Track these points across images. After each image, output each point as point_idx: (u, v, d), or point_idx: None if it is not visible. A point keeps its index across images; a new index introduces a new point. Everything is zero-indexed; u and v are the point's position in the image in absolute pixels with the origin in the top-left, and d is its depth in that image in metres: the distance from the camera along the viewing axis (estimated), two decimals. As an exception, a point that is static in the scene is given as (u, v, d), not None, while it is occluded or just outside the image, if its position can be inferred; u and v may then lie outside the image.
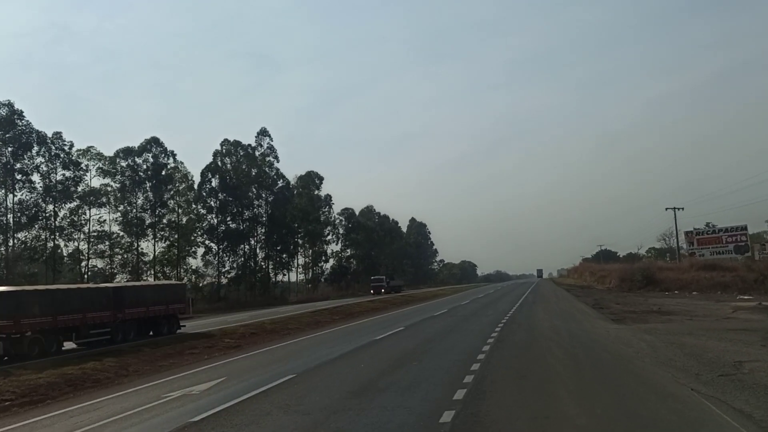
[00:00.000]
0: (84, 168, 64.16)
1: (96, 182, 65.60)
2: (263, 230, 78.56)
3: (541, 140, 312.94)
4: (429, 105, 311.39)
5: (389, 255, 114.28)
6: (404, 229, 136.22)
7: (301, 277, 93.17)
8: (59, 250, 64.19)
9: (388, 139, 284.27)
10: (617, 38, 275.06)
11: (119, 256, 67.71)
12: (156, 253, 69.55)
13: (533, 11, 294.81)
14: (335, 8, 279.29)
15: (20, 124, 58.65)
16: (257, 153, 79.36)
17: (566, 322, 21.70)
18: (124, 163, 67.97)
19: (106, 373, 16.58)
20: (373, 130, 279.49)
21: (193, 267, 73.25)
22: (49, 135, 61.48)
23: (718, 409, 7.82)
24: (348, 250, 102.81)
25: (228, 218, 75.48)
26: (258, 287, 77.23)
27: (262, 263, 79.05)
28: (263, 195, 78.54)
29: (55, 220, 61.85)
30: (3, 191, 58.10)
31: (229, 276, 74.09)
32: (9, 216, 58.32)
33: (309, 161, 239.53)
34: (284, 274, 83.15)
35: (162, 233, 69.92)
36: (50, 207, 61.58)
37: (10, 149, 57.71)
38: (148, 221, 69.10)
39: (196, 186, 74.54)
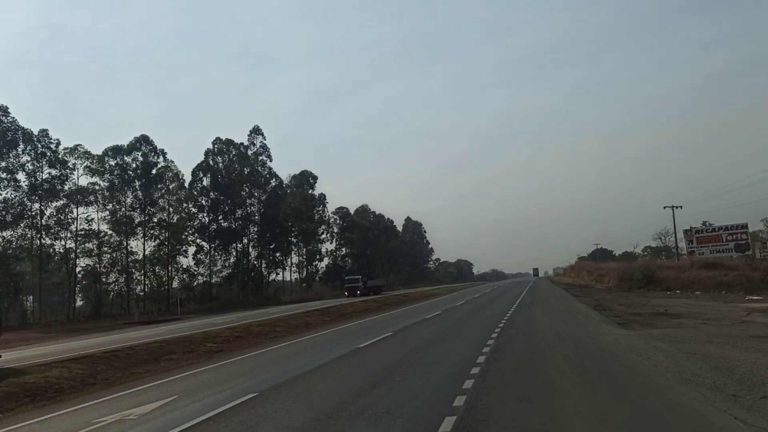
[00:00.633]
0: (71, 166, 62.35)
1: (84, 181, 63.78)
2: (256, 229, 76.68)
3: (538, 140, 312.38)
4: (427, 105, 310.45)
5: (385, 254, 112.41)
6: (400, 229, 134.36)
7: (296, 276, 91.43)
8: (52, 249, 62.40)
9: (386, 139, 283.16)
10: (614, 38, 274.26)
11: (108, 255, 65.80)
12: (146, 252, 67.51)
13: (531, 11, 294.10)
14: (332, 8, 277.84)
15: (5, 121, 56.82)
16: (250, 152, 77.64)
17: (568, 326, 19.76)
18: (113, 162, 66.25)
19: (71, 382, 14.78)
20: (370, 130, 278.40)
21: (185, 266, 71.35)
22: (35, 132, 59.64)
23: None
24: (343, 249, 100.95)
25: (220, 217, 73.62)
26: (251, 287, 75.36)
27: (255, 262, 77.14)
28: (255, 194, 76.67)
29: (42, 218, 59.88)
30: (-13, 189, 56.42)
31: (220, 275, 72.17)
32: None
33: (306, 161, 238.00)
34: (277, 273, 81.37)
35: (152, 232, 68.02)
36: (36, 206, 59.67)
37: (-6, 147, 56.01)
38: (137, 220, 67.26)
39: (187, 185, 72.85)
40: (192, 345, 22.40)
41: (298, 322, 32.73)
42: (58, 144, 60.91)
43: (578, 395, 9.01)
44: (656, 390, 9.23)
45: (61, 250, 62.20)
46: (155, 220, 68.42)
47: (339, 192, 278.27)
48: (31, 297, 64.92)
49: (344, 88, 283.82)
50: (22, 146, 58.18)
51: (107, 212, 65.24)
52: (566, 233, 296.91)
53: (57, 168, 60.62)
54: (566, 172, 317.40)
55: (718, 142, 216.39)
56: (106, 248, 65.01)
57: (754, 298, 30.69)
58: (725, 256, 55.18)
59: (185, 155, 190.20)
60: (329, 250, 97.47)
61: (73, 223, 62.47)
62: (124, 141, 67.35)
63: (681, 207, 65.11)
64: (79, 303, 69.47)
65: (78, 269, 65.50)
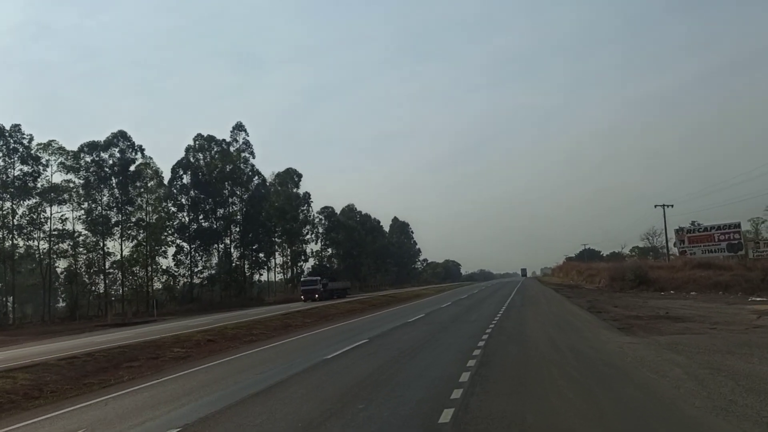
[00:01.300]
0: (44, 163, 59.63)
1: (58, 178, 61.09)
2: (238, 229, 74.11)
3: (524, 140, 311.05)
4: (413, 104, 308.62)
5: (371, 254, 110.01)
6: (387, 229, 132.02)
7: (280, 276, 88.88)
8: (24, 249, 59.72)
9: (372, 138, 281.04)
10: (599, 39, 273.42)
11: (83, 256, 63.11)
12: (123, 252, 64.80)
13: (517, 12, 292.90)
14: (319, 7, 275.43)
15: (-27, 115, 54.06)
16: (232, 148, 75.00)
17: (564, 332, 17.56)
18: (88, 158, 63.51)
19: (12, 396, 12.87)
20: (356, 130, 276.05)
21: (164, 267, 68.72)
22: (7, 128, 56.93)
23: None
24: (329, 250, 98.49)
25: (201, 216, 71.02)
26: (233, 288, 72.78)
27: (237, 263, 74.54)
28: (238, 192, 74.10)
29: (13, 217, 57.14)
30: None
31: (201, 276, 69.55)
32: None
33: (293, 161, 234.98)
34: (261, 274, 78.80)
35: (129, 232, 65.32)
36: (8, 204, 56.96)
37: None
38: (114, 219, 64.60)
39: (167, 182, 70.27)
40: (158, 350, 20.75)
41: (276, 324, 30.82)
42: (31, 140, 58.29)
43: (589, 434, 6.79)
44: (690, 427, 7.02)
45: (34, 251, 59.48)
46: (133, 219, 65.76)
47: (325, 192, 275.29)
48: (12, 298, 62.22)
49: (331, 87, 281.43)
50: (-8, 142, 55.58)
51: (83, 211, 62.59)
52: (553, 233, 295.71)
53: (29, 164, 57.96)
54: (553, 172, 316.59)
55: (703, 142, 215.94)
56: (81, 249, 62.33)
57: (757, 299, 28.67)
58: (717, 256, 53.44)
59: (172, 154, 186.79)
60: (315, 250, 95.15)
61: (46, 222, 59.82)
62: (102, 137, 64.80)
63: (672, 206, 63.45)
64: (61, 304, 67.02)
65: (60, 270, 63.21)
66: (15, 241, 57.72)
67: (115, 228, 64.78)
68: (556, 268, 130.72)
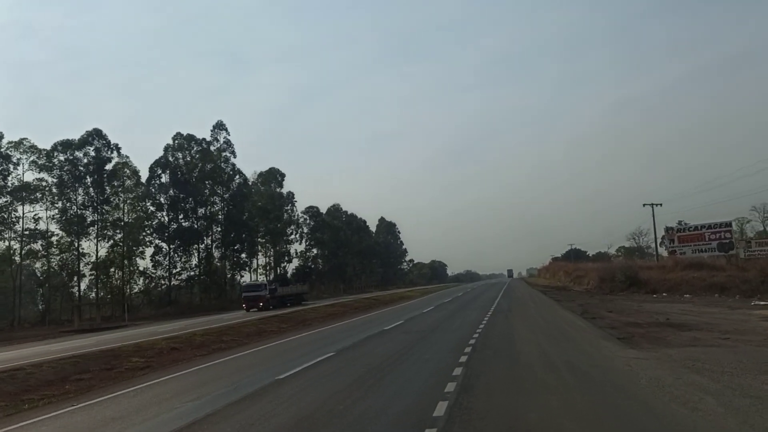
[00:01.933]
0: (15, 161, 56.68)
1: (30, 176, 58.14)
2: (219, 229, 71.31)
3: (512, 141, 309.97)
4: (402, 105, 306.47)
5: (357, 255, 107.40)
6: (374, 229, 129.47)
7: (263, 278, 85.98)
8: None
9: (361, 139, 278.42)
10: (587, 40, 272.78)
11: (57, 257, 60.14)
12: (98, 253, 61.84)
13: (505, 13, 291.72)
14: (308, 8, 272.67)
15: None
16: (213, 147, 72.15)
17: (558, 343, 15.23)
18: (62, 157, 60.55)
19: None
20: (345, 131, 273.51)
21: (141, 268, 65.80)
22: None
23: None
24: (314, 250, 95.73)
25: (180, 216, 68.18)
26: (213, 290, 69.97)
27: (218, 264, 71.70)
28: (218, 191, 71.31)
29: (-17, 217, 54.17)
30: None
31: (180, 278, 66.67)
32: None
33: (280, 162, 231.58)
34: (242, 276, 75.98)
35: (105, 232, 62.39)
36: (-24, 203, 53.99)
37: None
38: (90, 219, 61.67)
39: (145, 181, 67.44)
40: (115, 360, 18.96)
41: (250, 330, 28.78)
42: (1, 137, 55.37)
43: None
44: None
45: (3, 252, 56.46)
46: (109, 219, 62.84)
47: (313, 192, 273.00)
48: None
49: (320, 88, 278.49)
50: (-41, 139, 52.65)
51: (56, 210, 59.61)
52: (539, 234, 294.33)
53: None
54: (540, 173, 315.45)
55: (689, 143, 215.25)
56: (54, 249, 59.35)
57: (761, 303, 26.51)
58: (708, 256, 51.46)
59: (157, 155, 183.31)
60: (299, 251, 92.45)
61: (18, 221, 56.84)
62: (76, 135, 61.85)
63: (661, 205, 61.57)
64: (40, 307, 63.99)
65: (34, 272, 60.25)
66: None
67: (91, 228, 61.82)
68: (542, 268, 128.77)
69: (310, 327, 29.35)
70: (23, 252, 57.50)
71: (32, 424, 9.89)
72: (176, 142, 70.49)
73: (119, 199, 64.20)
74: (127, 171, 65.90)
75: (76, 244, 60.88)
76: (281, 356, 16.69)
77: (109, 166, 63.22)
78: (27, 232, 57.37)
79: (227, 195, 71.95)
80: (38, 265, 60.83)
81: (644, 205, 61.72)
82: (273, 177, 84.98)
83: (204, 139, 71.72)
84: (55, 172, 59.82)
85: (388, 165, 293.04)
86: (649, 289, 41.38)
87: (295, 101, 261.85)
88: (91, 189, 61.80)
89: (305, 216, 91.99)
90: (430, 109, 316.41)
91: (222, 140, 72.77)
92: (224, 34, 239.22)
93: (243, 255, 73.99)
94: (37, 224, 58.31)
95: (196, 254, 69.36)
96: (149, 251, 66.41)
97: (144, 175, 67.06)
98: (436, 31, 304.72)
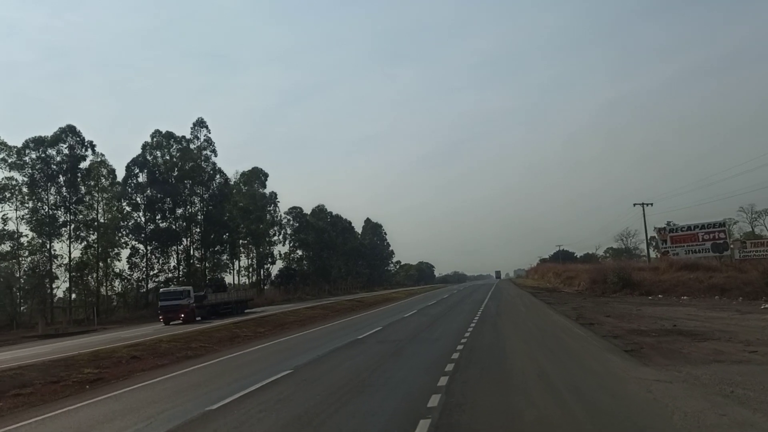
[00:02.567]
0: (-18, 159, 53.62)
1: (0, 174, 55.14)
2: (199, 230, 68.37)
3: (500, 142, 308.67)
4: (391, 107, 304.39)
5: (342, 256, 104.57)
6: (360, 230, 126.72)
7: (245, 280, 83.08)
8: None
9: (349, 140, 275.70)
10: (578, 41, 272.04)
11: (28, 258, 57.03)
12: (71, 255, 58.75)
13: (495, 15, 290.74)
14: (296, 9, 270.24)
15: None
16: (193, 146, 69.18)
17: (557, 359, 12.70)
18: (34, 155, 57.47)
19: None
20: (334, 132, 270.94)
21: (117, 270, 62.77)
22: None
23: None
24: (298, 252, 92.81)
25: (158, 216, 65.20)
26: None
27: (198, 265, 68.70)
28: (198, 191, 68.34)
29: (-52, 217, 51.04)
30: None
31: (157, 280, 63.67)
32: None
33: (268, 162, 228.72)
34: (222, 278, 72.93)
35: (79, 233, 59.34)
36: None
37: None
38: (62, 219, 58.62)
39: (121, 181, 64.47)
40: (66, 371, 17.01)
41: (223, 335, 26.59)
42: (-30, 135, 52.37)
43: None
44: None
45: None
46: (82, 219, 59.74)
47: (300, 194, 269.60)
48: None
49: (308, 89, 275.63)
50: None
51: (26, 210, 56.50)
52: (527, 235, 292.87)
53: (-35, 161, 52.03)
54: (528, 175, 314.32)
55: (678, 144, 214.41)
56: (23, 251, 56.22)
57: (771, 306, 24.20)
58: (702, 257, 49.33)
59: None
60: (283, 252, 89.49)
61: (-15, 222, 53.72)
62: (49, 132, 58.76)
63: (652, 204, 59.61)
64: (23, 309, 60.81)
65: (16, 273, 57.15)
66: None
67: (63, 228, 58.72)
68: (530, 269, 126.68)
69: (288, 331, 27.17)
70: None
71: None
72: (155, 139, 67.46)
73: (93, 199, 61.20)
74: (104, 171, 63.10)
75: (48, 246, 57.88)
76: (234, 372, 14.19)
77: (83, 165, 60.35)
78: (-7, 233, 54.33)
79: (207, 195, 69.00)
80: (4, 265, 57.70)
81: (635, 204, 59.87)
82: (256, 177, 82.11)
83: (184, 136, 68.74)
84: (26, 170, 56.83)
85: (377, 167, 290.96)
86: (643, 290, 39.23)
87: (283, 102, 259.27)
88: (63, 188, 58.84)
89: (288, 217, 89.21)
90: (419, 111, 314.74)
91: (203, 138, 69.82)
92: (212, 34, 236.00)
93: (224, 256, 70.99)
94: (5, 225, 55.33)
95: (174, 256, 66.41)
96: (125, 253, 63.54)
97: (121, 174, 64.33)
98: (426, 32, 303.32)
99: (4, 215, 55.22)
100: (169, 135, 67.97)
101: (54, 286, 57.83)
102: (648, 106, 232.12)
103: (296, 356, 15.68)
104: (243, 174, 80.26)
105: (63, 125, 59.43)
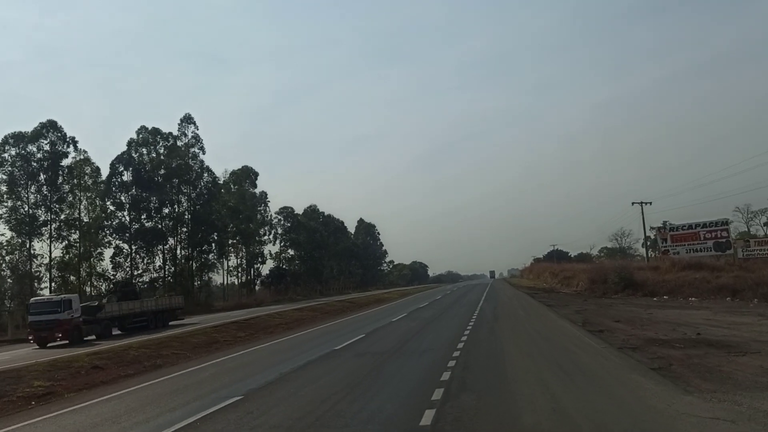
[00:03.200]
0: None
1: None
2: (185, 229, 65.53)
3: (493, 143, 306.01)
4: (383, 107, 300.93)
5: (335, 256, 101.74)
6: (352, 231, 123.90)
7: (235, 280, 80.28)
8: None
9: (342, 141, 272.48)
10: (568, 42, 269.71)
11: (7, 258, 54.22)
12: (52, 255, 55.93)
13: (487, 16, 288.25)
14: (288, 9, 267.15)
15: None
16: (180, 143, 66.34)
17: (572, 381, 10.07)
18: (14, 151, 54.70)
19: None
20: (326, 133, 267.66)
21: (99, 270, 59.94)
22: None
23: None
24: (289, 251, 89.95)
25: (143, 215, 62.38)
26: (179, 293, 64.01)
27: (184, 265, 65.84)
28: (185, 190, 65.49)
29: None
30: None
31: (140, 281, 60.81)
32: None
33: (260, 163, 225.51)
34: (210, 278, 70.18)
35: (60, 232, 56.54)
36: None
37: None
38: (42, 218, 55.82)
39: (105, 179, 61.65)
40: (14, 384, 14.92)
41: (199, 340, 24.29)
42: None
43: None
44: None
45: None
46: (63, 218, 56.94)
47: (293, 194, 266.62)
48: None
49: (301, 90, 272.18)
50: None
51: (5, 209, 53.71)
52: (520, 235, 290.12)
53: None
54: (521, 174, 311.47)
55: (670, 144, 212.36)
56: (2, 251, 53.40)
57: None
58: (704, 256, 46.90)
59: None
60: (274, 252, 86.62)
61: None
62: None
63: (651, 203, 57.24)
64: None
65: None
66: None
67: (44, 228, 55.90)
68: (525, 269, 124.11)
69: (269, 336, 24.89)
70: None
71: None
72: (141, 136, 64.60)
73: (75, 197, 58.39)
74: (88, 169, 60.36)
75: (28, 245, 55.08)
76: (184, 392, 11.69)
77: (65, 162, 57.63)
78: (-29, 232, 51.58)
79: (194, 194, 66.18)
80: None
81: (633, 203, 57.50)
82: (246, 176, 79.33)
83: (170, 133, 65.94)
84: (5, 167, 54.07)
85: (370, 167, 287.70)
86: (646, 291, 36.69)
87: (276, 103, 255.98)
88: (44, 187, 56.04)
89: (279, 217, 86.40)
90: (412, 111, 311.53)
91: (190, 135, 66.95)
92: (204, 34, 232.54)
93: (211, 256, 68.09)
94: (-17, 223, 52.57)
95: (160, 255, 63.59)
96: (109, 252, 60.74)
97: (107, 172, 61.55)
98: (419, 32, 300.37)
99: (-19, 214, 52.57)
100: (156, 131, 65.17)
101: (42, 287, 55.17)
102: (641, 106, 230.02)
103: (257, 373, 13.08)
104: (233, 173, 77.52)
105: (44, 120, 56.84)
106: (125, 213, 61.85)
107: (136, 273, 61.05)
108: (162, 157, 64.77)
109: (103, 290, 59.43)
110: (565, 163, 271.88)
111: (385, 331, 20.69)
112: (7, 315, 48.46)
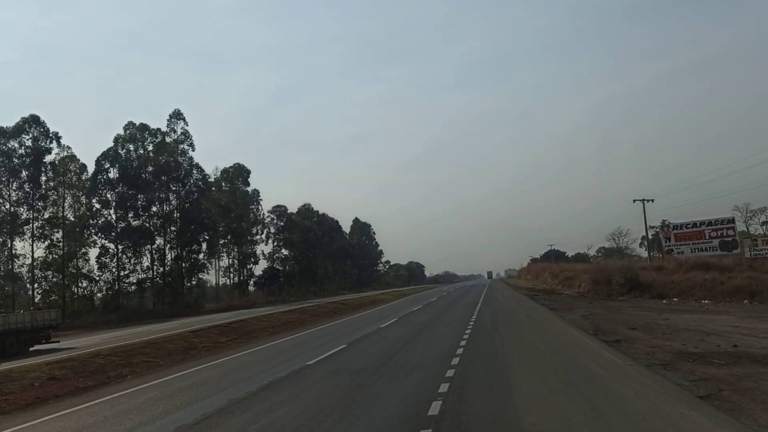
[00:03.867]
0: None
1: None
2: (174, 228, 62.88)
3: (490, 143, 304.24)
4: (380, 107, 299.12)
5: (329, 256, 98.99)
6: (348, 230, 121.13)
7: (225, 281, 77.61)
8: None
9: (339, 141, 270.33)
10: (565, 42, 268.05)
11: (-14, 258, 51.66)
12: (34, 254, 53.32)
13: (484, 16, 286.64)
14: (285, 9, 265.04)
15: None
16: (169, 139, 63.71)
17: (602, 417, 7.47)
18: (-5, 147, 52.13)
19: None
20: (323, 132, 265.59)
21: (85, 270, 57.33)
22: None
23: None
24: (283, 251, 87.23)
25: (130, 214, 59.75)
26: (167, 294, 61.48)
27: (173, 265, 63.18)
28: (173, 187, 62.85)
29: None
30: None
31: (127, 281, 58.21)
32: None
33: (256, 162, 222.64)
34: (200, 279, 67.49)
35: (42, 231, 53.94)
36: None
37: None
38: (24, 216, 53.24)
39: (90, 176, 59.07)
40: None
41: (176, 346, 22.22)
42: None
43: None
44: None
45: None
46: (45, 216, 54.35)
47: (290, 193, 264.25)
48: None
49: (297, 89, 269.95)
50: None
51: (-16, 207, 51.14)
52: (517, 235, 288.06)
53: None
54: (518, 175, 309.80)
55: (669, 143, 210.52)
56: (-20, 250, 50.86)
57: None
58: (709, 255, 44.47)
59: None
60: (267, 252, 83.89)
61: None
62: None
63: (653, 201, 54.93)
64: None
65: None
66: None
67: (26, 226, 53.29)
68: (522, 269, 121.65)
69: (251, 342, 22.66)
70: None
71: None
72: (127, 132, 62.00)
73: (59, 195, 55.79)
74: (75, 166, 57.84)
75: (9, 245, 52.47)
76: (123, 417, 9.08)
77: (48, 158, 55.07)
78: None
79: (183, 191, 63.54)
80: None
81: (635, 201, 55.20)
82: (239, 174, 76.71)
83: (159, 129, 63.37)
84: (-13, 164, 51.55)
85: (367, 167, 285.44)
86: (654, 293, 34.19)
87: (274, 102, 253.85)
88: (26, 184, 53.43)
89: (272, 215, 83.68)
90: (409, 111, 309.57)
91: (179, 131, 64.39)
92: (201, 34, 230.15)
93: (201, 256, 65.43)
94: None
95: (148, 255, 60.95)
96: (94, 252, 58.14)
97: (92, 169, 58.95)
98: (417, 32, 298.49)
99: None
100: (144, 127, 62.57)
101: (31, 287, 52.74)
102: (638, 106, 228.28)
103: (209, 395, 10.57)
104: (224, 171, 74.83)
105: (26, 115, 54.24)
106: (111, 211, 59.27)
107: (122, 274, 58.46)
108: (150, 154, 62.23)
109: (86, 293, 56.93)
110: (563, 163, 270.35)
111: (370, 341, 18.06)
112: None
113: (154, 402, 10.70)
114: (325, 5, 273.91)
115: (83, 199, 57.91)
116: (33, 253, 53.30)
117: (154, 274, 60.99)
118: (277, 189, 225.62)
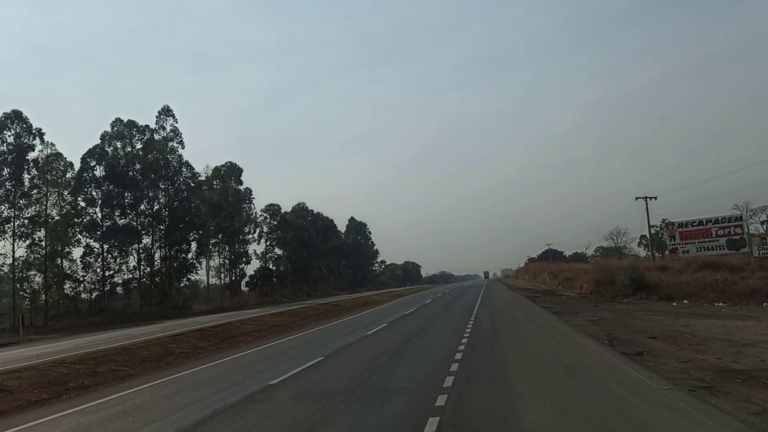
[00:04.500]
0: None
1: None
2: (162, 227, 60.48)
3: (486, 143, 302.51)
4: (376, 107, 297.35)
5: (324, 255, 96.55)
6: (343, 230, 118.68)
7: (216, 281, 75.12)
8: None
9: (334, 141, 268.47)
10: (562, 42, 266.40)
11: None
12: (15, 253, 50.92)
13: (479, 16, 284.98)
14: (281, 9, 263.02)
15: None
16: (158, 136, 61.33)
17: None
18: (-25, 144, 49.78)
19: None
20: (318, 133, 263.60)
21: (68, 270, 54.91)
22: None
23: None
24: (276, 251, 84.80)
25: (117, 213, 57.34)
26: (154, 295, 59.03)
27: (161, 265, 60.77)
28: (162, 185, 60.46)
29: None
30: None
31: (113, 282, 55.78)
32: None
33: (252, 162, 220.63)
34: (189, 279, 65.05)
35: (23, 229, 51.59)
36: None
37: None
38: (5, 214, 50.88)
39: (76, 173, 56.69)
40: None
41: (151, 352, 20.31)
42: None
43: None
44: None
45: None
46: (29, 215, 51.97)
47: (286, 193, 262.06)
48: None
49: (293, 89, 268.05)
50: None
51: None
52: (514, 234, 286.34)
53: None
54: (515, 174, 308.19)
55: (667, 143, 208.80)
56: (-41, 250, 48.49)
57: None
58: (716, 254, 42.26)
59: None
60: (260, 252, 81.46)
61: None
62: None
63: (656, 198, 52.71)
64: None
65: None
66: None
67: (7, 225, 50.90)
68: (519, 269, 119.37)
69: (234, 348, 20.88)
70: None
71: None
72: (115, 129, 59.66)
73: (42, 193, 53.43)
74: (60, 164, 55.50)
75: (-9, 244, 50.13)
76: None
77: (31, 155, 52.74)
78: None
79: (172, 189, 61.13)
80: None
81: (637, 198, 53.05)
82: (231, 172, 74.30)
83: (147, 126, 61.04)
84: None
85: (363, 167, 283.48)
86: (662, 294, 31.87)
87: (268, 102, 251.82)
88: (8, 181, 51.08)
89: (265, 214, 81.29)
90: (405, 111, 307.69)
91: (169, 128, 62.07)
92: (197, 34, 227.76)
93: (189, 255, 62.94)
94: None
95: (135, 255, 58.51)
96: (79, 252, 55.74)
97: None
98: (413, 32, 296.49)
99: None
100: (131, 124, 60.23)
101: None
102: (635, 105, 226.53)
103: (154, 420, 8.24)
104: (216, 169, 72.43)
105: (8, 111, 51.87)
106: (96, 209, 56.85)
107: (108, 274, 56.02)
108: (139, 152, 59.87)
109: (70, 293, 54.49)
110: (560, 163, 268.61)
111: (351, 352, 15.62)
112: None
113: (102, 423, 8.41)
114: (321, 5, 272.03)
115: (68, 197, 55.50)
116: (14, 253, 50.93)
117: (141, 274, 58.59)
118: (273, 189, 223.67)
